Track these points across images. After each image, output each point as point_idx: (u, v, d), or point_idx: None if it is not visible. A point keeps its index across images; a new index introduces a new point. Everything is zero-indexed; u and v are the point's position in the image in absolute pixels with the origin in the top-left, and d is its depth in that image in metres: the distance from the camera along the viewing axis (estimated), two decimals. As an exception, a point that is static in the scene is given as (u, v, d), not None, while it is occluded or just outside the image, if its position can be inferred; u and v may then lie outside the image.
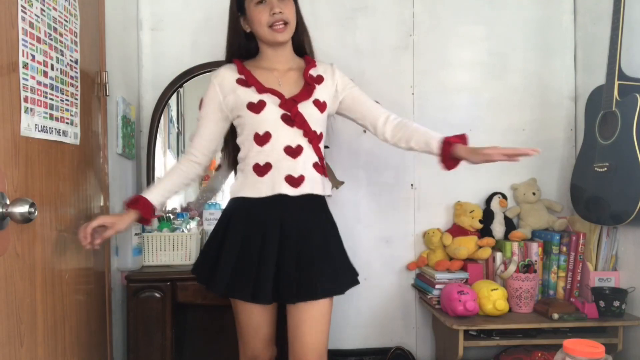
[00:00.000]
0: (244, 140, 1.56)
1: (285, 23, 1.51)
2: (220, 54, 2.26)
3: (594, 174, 2.06)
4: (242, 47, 1.62)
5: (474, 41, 2.46)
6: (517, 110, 2.46)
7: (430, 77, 2.44)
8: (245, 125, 1.54)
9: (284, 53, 1.59)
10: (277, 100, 1.52)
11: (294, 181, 1.50)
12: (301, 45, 1.65)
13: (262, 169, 1.51)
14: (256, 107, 1.52)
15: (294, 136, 1.52)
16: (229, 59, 1.63)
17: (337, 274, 1.52)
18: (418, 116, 2.43)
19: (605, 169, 2.00)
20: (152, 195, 1.53)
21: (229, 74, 1.57)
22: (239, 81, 1.55)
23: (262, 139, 1.51)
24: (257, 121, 1.52)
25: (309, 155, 1.53)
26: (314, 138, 1.54)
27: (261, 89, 1.53)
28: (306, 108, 1.53)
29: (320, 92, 1.58)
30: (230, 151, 1.67)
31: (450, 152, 1.54)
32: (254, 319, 1.52)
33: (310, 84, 1.57)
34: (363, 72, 2.38)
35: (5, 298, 1.04)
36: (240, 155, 1.58)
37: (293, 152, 1.51)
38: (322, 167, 1.57)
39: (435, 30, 2.44)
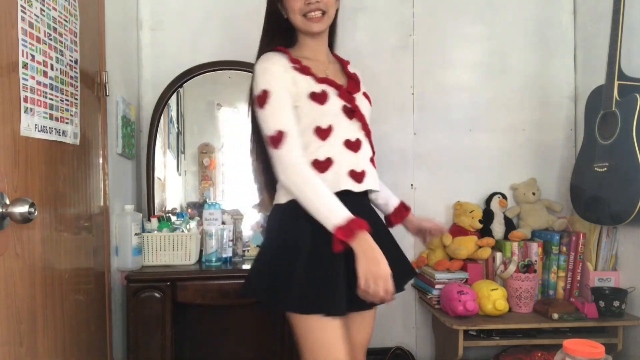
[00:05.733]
0: (308, 134, 1.38)
1: (323, 12, 1.39)
2: (219, 53, 2.29)
3: (593, 174, 2.06)
4: (278, 35, 1.46)
5: (474, 41, 2.46)
6: (517, 110, 2.47)
7: (430, 77, 2.44)
8: (303, 116, 1.37)
9: (324, 43, 1.49)
10: (336, 91, 1.40)
11: (357, 176, 1.39)
12: (332, 37, 1.54)
13: (322, 165, 1.36)
14: (320, 97, 1.37)
15: (353, 129, 1.41)
16: (265, 47, 1.44)
17: (399, 275, 1.40)
18: (418, 116, 2.43)
19: (605, 169, 2.00)
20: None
21: (283, 60, 1.39)
22: (294, 68, 1.39)
23: (325, 132, 1.37)
24: (320, 113, 1.37)
25: (366, 149, 1.44)
26: (369, 132, 1.46)
27: (319, 80, 1.40)
28: (361, 100, 1.47)
29: (364, 87, 1.53)
30: (259, 150, 1.46)
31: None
32: (328, 335, 1.28)
33: (354, 78, 1.51)
34: (363, 72, 2.36)
35: (5, 298, 1.04)
36: None
37: (353, 145, 1.40)
38: (373, 162, 1.48)
39: (435, 30, 2.44)
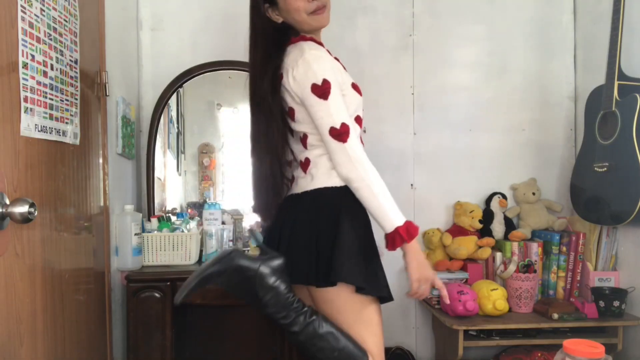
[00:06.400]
0: (351, 122, 1.38)
1: (324, 6, 1.41)
2: (219, 53, 2.29)
3: (593, 174, 2.06)
4: (271, 40, 1.44)
5: (474, 41, 2.46)
6: (517, 110, 2.47)
7: (430, 77, 2.44)
8: (349, 105, 1.38)
9: (320, 39, 1.49)
10: None
11: None
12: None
13: None
14: (357, 88, 1.43)
15: None
16: (263, 52, 1.44)
17: None
18: (418, 116, 2.43)
19: (605, 169, 2.00)
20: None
21: (327, 53, 1.42)
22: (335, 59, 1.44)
23: (361, 122, 1.45)
24: (360, 102, 1.44)
25: None
26: None
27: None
28: None
29: None
30: (281, 141, 1.43)
31: None
32: (380, 316, 1.40)
33: None
34: (363, 72, 2.38)
35: (5, 298, 1.04)
36: None
37: (361, 138, 1.47)
38: None
39: (435, 30, 2.44)
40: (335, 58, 1.45)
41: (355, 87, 1.42)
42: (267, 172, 1.44)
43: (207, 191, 2.35)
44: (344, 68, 1.45)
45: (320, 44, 1.44)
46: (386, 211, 1.30)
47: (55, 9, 1.31)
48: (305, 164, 1.41)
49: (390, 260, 2.38)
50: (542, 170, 2.46)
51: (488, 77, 2.46)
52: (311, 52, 1.35)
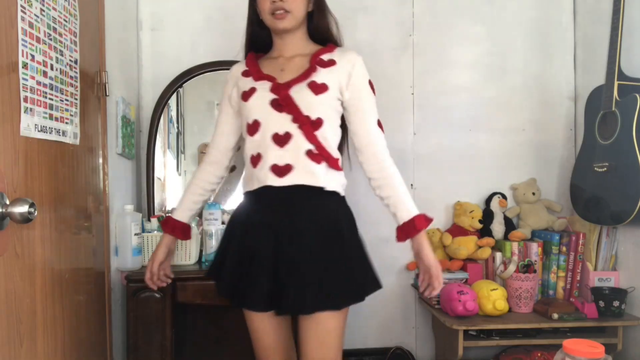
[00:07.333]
0: (243, 131, 1.50)
1: (287, 11, 1.43)
2: (219, 53, 2.29)
3: (593, 174, 2.06)
4: (256, 37, 1.58)
5: (474, 41, 2.46)
6: (517, 110, 2.47)
7: (430, 77, 2.44)
8: (242, 116, 1.49)
9: (292, 41, 1.51)
10: (268, 85, 1.44)
11: (279, 170, 1.38)
12: (322, 34, 1.55)
13: (254, 160, 1.43)
14: (245, 95, 1.46)
15: (283, 122, 1.40)
16: (247, 51, 1.60)
17: (332, 285, 1.35)
18: (418, 116, 2.43)
19: (605, 169, 2.00)
20: (179, 214, 1.58)
21: (237, 69, 1.56)
22: (243, 73, 1.52)
23: (252, 128, 1.44)
24: (247, 109, 1.45)
25: (299, 143, 1.39)
26: (305, 124, 1.38)
27: (258, 77, 1.47)
28: (298, 91, 1.41)
29: (322, 75, 1.43)
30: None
31: (406, 235, 1.55)
32: (254, 325, 1.48)
33: (312, 66, 1.45)
34: (363, 72, 2.38)
35: (5, 298, 1.04)
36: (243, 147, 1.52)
37: (280, 139, 1.39)
38: (321, 156, 1.40)
39: (435, 30, 2.44)
40: (250, 70, 1.51)
41: (243, 95, 1.48)
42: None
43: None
44: (254, 77, 1.49)
45: (248, 62, 1.55)
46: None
47: (55, 9, 1.31)
48: None
49: (390, 260, 2.40)
50: (542, 170, 2.46)
51: (488, 77, 2.46)
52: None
